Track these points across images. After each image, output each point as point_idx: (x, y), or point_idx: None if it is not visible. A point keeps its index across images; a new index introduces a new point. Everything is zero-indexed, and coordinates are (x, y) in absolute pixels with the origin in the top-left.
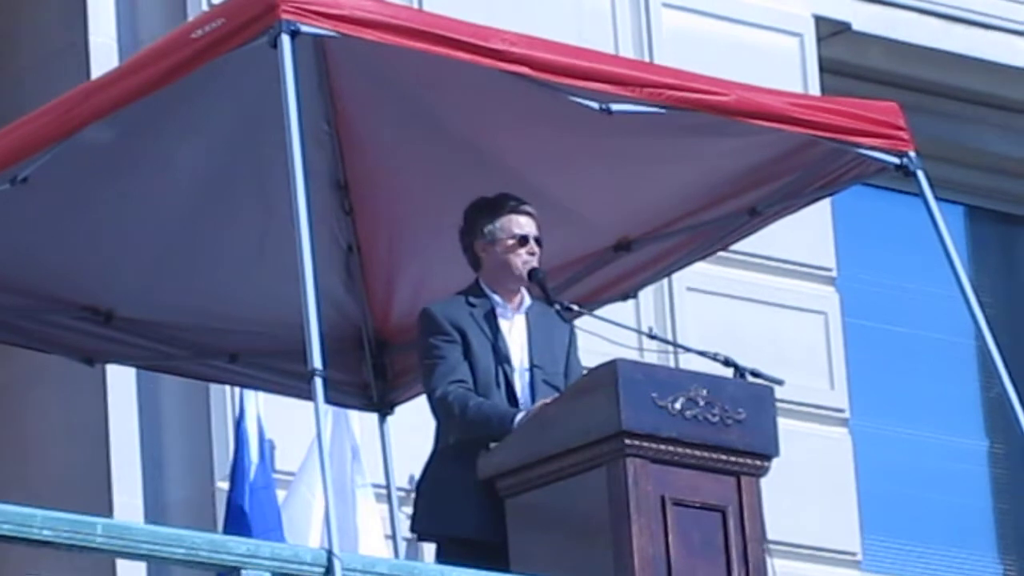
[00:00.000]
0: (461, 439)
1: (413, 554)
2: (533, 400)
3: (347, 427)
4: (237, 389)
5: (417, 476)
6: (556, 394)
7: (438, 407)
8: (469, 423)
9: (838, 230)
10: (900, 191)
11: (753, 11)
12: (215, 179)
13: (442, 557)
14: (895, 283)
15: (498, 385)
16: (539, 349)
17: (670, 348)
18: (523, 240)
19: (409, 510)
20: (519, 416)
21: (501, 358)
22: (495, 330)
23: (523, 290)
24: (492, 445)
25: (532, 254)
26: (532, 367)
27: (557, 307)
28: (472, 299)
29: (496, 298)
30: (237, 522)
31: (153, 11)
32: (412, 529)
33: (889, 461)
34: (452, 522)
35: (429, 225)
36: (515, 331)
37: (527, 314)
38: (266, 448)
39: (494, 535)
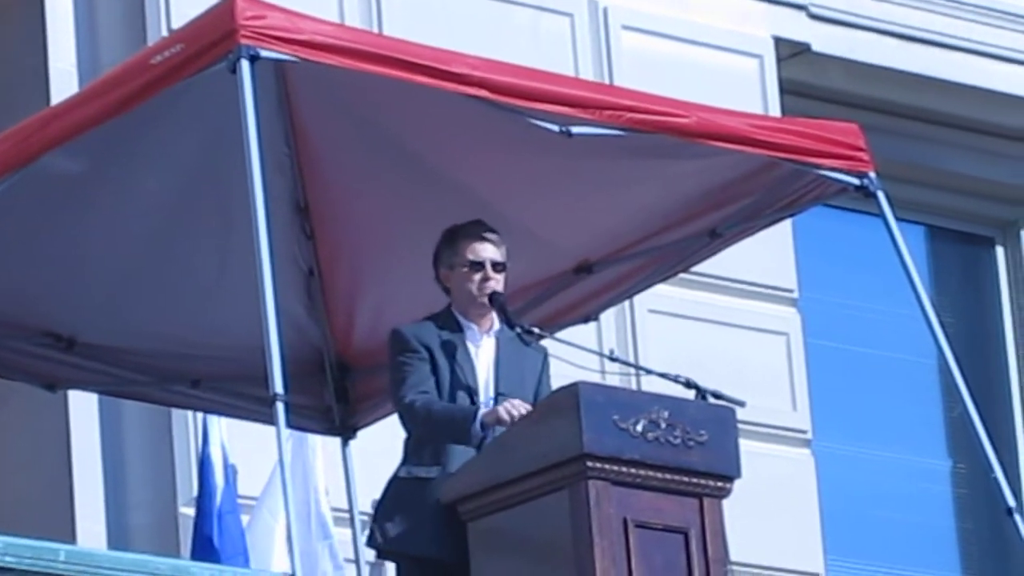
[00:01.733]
0: (425, 444)
1: None
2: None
3: (309, 453)
4: (200, 414)
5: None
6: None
7: (405, 413)
8: (434, 423)
9: (799, 251)
10: (861, 212)
11: (713, 33)
12: (176, 204)
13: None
14: (856, 304)
15: None
16: (506, 374)
17: (632, 370)
18: (476, 266)
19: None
20: (480, 413)
21: (467, 383)
22: (463, 354)
23: (492, 314)
24: (453, 471)
25: (487, 280)
26: (497, 394)
27: (518, 330)
28: (441, 323)
29: (465, 322)
30: (204, 547)
31: (113, 37)
32: (368, 544)
33: (852, 481)
34: (411, 541)
35: (390, 249)
36: (483, 355)
37: (497, 338)
38: (230, 473)
39: (454, 555)
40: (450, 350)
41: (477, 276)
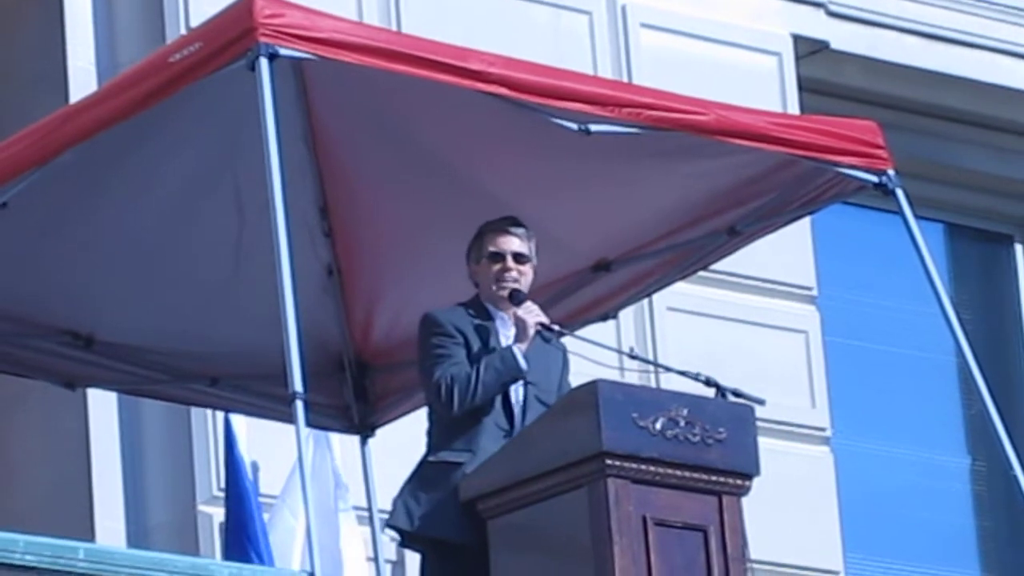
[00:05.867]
0: (456, 429)
1: None
2: (525, 416)
3: (328, 450)
4: (219, 413)
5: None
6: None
7: (444, 389)
8: (481, 380)
9: (818, 249)
10: (880, 209)
11: (731, 31)
12: (193, 203)
13: (426, 563)
14: (875, 301)
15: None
16: (535, 365)
17: (651, 368)
18: (496, 256)
19: (392, 533)
20: (513, 347)
21: None
22: (496, 342)
23: None
24: (470, 469)
25: (507, 271)
26: (527, 383)
27: (537, 328)
28: (472, 311)
29: (495, 311)
30: (239, 546)
31: (132, 35)
32: (390, 523)
33: (871, 479)
34: (439, 525)
35: (409, 247)
36: None
37: None
38: (251, 471)
39: (480, 542)
40: (483, 336)
41: (496, 267)
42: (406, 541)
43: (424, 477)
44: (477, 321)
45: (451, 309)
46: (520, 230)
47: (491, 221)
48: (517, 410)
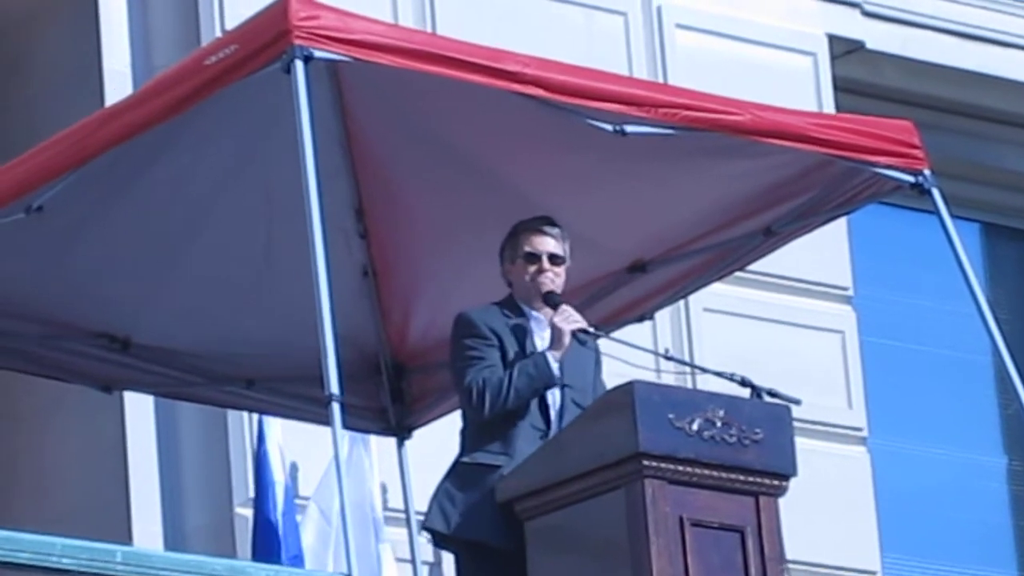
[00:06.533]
0: (490, 430)
1: None
2: (561, 419)
3: (366, 454)
4: (255, 415)
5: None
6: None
7: (475, 393)
8: (514, 385)
9: (854, 249)
10: (916, 209)
11: (767, 31)
12: (229, 204)
13: (461, 564)
14: (912, 301)
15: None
16: (570, 367)
17: (687, 369)
18: (532, 257)
19: (427, 535)
20: (547, 352)
21: None
22: (531, 342)
23: None
24: (506, 471)
25: (542, 272)
26: (563, 385)
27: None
28: (507, 311)
29: (529, 311)
30: (266, 547)
31: (167, 38)
32: (426, 525)
33: (907, 479)
34: (474, 527)
35: (445, 248)
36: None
37: None
38: (287, 472)
39: (515, 544)
40: (519, 336)
41: (532, 268)
42: (440, 543)
43: (459, 478)
44: (512, 321)
45: (485, 309)
46: (555, 230)
47: (525, 220)
48: (554, 412)
